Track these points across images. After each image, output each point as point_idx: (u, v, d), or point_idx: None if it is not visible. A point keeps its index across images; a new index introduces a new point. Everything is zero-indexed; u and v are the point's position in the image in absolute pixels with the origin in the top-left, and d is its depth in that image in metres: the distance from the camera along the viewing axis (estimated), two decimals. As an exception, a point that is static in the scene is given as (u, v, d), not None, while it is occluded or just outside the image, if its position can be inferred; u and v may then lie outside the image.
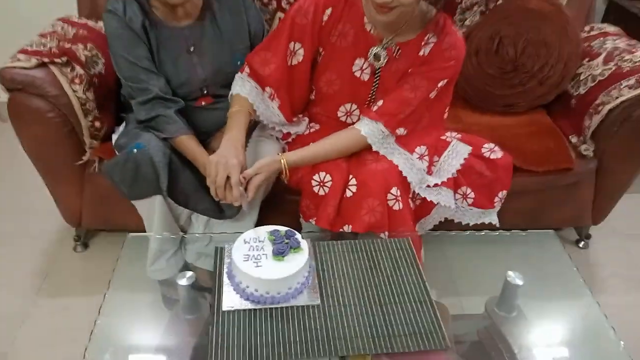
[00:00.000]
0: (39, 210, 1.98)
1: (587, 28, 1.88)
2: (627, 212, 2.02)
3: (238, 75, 1.44)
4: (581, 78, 1.71)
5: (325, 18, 1.36)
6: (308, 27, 1.36)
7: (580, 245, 1.91)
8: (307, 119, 1.54)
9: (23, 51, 1.51)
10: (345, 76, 1.41)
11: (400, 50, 1.36)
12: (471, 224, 1.52)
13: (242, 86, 1.42)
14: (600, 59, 1.69)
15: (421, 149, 1.40)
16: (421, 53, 1.35)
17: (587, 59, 1.74)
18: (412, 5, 1.23)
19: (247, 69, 1.43)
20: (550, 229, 1.74)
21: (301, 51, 1.38)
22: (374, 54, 1.37)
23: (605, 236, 1.95)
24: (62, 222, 1.79)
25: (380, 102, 1.38)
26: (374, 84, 1.41)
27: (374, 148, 1.37)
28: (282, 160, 1.32)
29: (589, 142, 1.64)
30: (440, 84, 1.35)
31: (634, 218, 2.04)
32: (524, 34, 1.73)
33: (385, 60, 1.38)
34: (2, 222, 1.97)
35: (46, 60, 1.48)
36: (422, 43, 1.35)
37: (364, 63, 1.39)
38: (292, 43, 1.38)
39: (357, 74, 1.41)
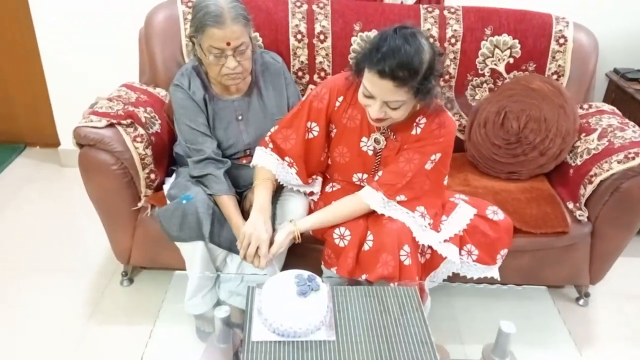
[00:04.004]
0: (91, 248, 2.22)
1: (585, 106, 2.08)
2: (625, 274, 2.16)
3: (262, 150, 1.68)
4: (578, 151, 1.91)
5: (337, 104, 1.62)
6: (323, 111, 1.62)
7: (580, 303, 2.04)
8: (320, 179, 1.77)
9: (94, 112, 1.79)
10: (354, 150, 1.65)
11: (395, 135, 1.59)
12: (475, 277, 1.70)
13: (267, 160, 1.66)
14: (596, 134, 1.89)
15: (420, 209, 1.58)
16: (413, 132, 1.55)
17: (584, 134, 1.94)
18: (401, 118, 1.46)
19: (270, 145, 1.67)
20: (549, 286, 1.91)
21: (317, 128, 1.64)
22: (375, 139, 1.61)
23: (604, 296, 2.08)
24: (110, 258, 2.03)
25: (380, 173, 1.59)
26: (376, 159, 1.64)
27: (379, 212, 1.56)
28: (295, 232, 1.55)
29: (584, 208, 1.81)
30: (432, 157, 1.53)
31: (632, 280, 2.17)
32: (527, 110, 1.95)
33: (385, 144, 1.61)
34: (58, 257, 2.21)
35: (114, 121, 1.75)
36: (414, 124, 1.55)
37: (368, 141, 1.63)
38: (310, 122, 1.64)
39: (364, 149, 1.64)
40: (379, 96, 1.40)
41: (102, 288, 2.05)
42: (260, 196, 1.60)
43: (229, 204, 1.65)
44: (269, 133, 1.70)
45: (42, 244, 2.28)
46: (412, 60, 1.33)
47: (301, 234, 1.57)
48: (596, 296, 2.06)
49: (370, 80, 1.39)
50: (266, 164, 1.66)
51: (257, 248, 1.50)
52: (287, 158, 1.66)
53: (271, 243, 1.52)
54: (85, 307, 1.96)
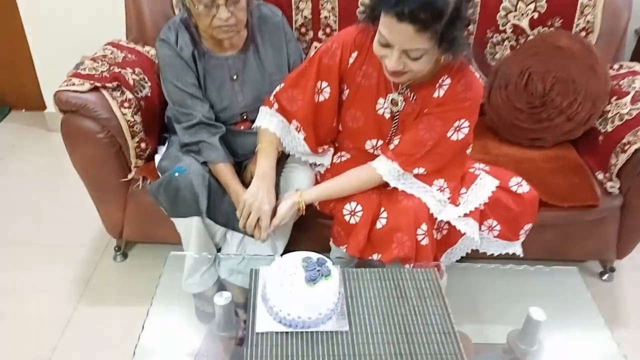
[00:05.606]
0: (81, 220, 2.08)
1: (616, 66, 1.90)
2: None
3: (265, 110, 1.52)
4: (609, 116, 1.74)
5: (351, 61, 1.43)
6: (335, 68, 1.43)
7: (604, 278, 1.92)
8: (332, 150, 1.60)
9: (76, 75, 1.61)
10: (369, 113, 1.47)
11: (414, 96, 1.41)
12: (496, 254, 1.57)
13: (270, 121, 1.50)
14: (628, 98, 1.71)
15: (439, 182, 1.43)
16: (435, 95, 1.37)
17: (615, 97, 1.77)
18: (422, 71, 1.28)
19: (275, 105, 1.50)
20: (573, 261, 1.78)
21: (328, 89, 1.45)
22: (391, 100, 1.43)
23: (630, 270, 1.95)
24: (103, 232, 1.88)
25: (396, 140, 1.42)
26: (393, 123, 1.47)
27: (392, 185, 1.41)
28: (300, 203, 1.41)
29: (615, 179, 1.67)
30: (456, 124, 1.37)
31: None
32: (553, 71, 1.77)
33: (403, 105, 1.43)
34: (46, 230, 2.08)
35: (98, 84, 1.58)
36: (437, 85, 1.37)
37: (385, 102, 1.45)
38: (319, 82, 1.45)
39: (380, 111, 1.46)
40: (398, 44, 1.20)
41: (94, 264, 1.92)
42: (263, 161, 1.44)
43: (225, 171, 1.50)
44: (274, 91, 1.53)
45: (29, 216, 2.15)
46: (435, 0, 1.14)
47: (307, 206, 1.43)
48: (621, 271, 1.94)
49: (387, 26, 1.20)
50: (270, 126, 1.49)
51: (258, 219, 1.36)
52: (294, 122, 1.49)
53: (274, 213, 1.39)
54: (76, 285, 1.83)
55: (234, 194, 1.48)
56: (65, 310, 1.74)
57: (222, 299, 1.21)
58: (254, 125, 1.55)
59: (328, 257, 1.23)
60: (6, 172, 2.42)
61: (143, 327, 1.18)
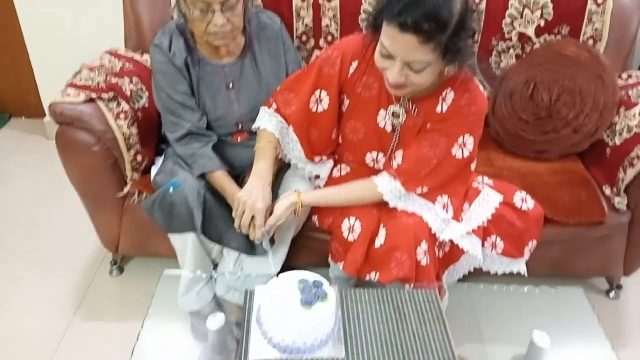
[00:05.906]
0: (79, 231, 2.05)
1: (624, 75, 1.84)
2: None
3: (264, 110, 1.50)
4: (617, 128, 1.69)
5: (351, 70, 1.39)
6: (334, 78, 1.40)
7: (611, 295, 1.87)
8: (330, 162, 1.56)
9: (72, 85, 1.59)
10: (370, 125, 1.43)
11: (417, 109, 1.37)
12: (499, 272, 1.52)
13: (269, 121, 1.47)
14: (637, 109, 1.66)
15: (443, 198, 1.38)
16: (438, 109, 1.33)
17: (623, 108, 1.72)
18: (425, 84, 1.24)
19: (274, 105, 1.48)
20: (578, 277, 1.73)
21: (327, 99, 1.42)
22: (392, 112, 1.39)
23: (637, 287, 1.90)
24: (99, 244, 1.85)
25: (400, 157, 1.37)
26: (394, 137, 1.43)
27: (391, 204, 1.37)
28: (297, 204, 1.37)
29: (623, 195, 1.61)
30: (460, 140, 1.32)
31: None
32: (560, 80, 1.72)
33: (404, 118, 1.39)
34: (43, 240, 2.06)
35: (94, 95, 1.55)
36: (440, 98, 1.33)
37: (386, 114, 1.41)
38: (318, 91, 1.42)
39: (381, 124, 1.42)
40: (400, 55, 1.16)
41: (90, 278, 1.89)
42: (260, 161, 1.42)
43: (221, 177, 1.48)
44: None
45: (26, 226, 2.12)
46: (440, 9, 1.09)
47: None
48: (628, 287, 1.88)
49: (389, 36, 1.16)
50: (268, 125, 1.46)
51: (253, 217, 1.33)
52: (291, 124, 1.46)
53: (271, 213, 1.36)
54: (71, 298, 1.80)
55: (229, 194, 1.45)
56: (60, 324, 1.71)
57: (216, 321, 1.18)
58: (254, 125, 1.52)
59: (326, 276, 1.19)
60: (4, 179, 2.40)
61: (133, 352, 1.14)
